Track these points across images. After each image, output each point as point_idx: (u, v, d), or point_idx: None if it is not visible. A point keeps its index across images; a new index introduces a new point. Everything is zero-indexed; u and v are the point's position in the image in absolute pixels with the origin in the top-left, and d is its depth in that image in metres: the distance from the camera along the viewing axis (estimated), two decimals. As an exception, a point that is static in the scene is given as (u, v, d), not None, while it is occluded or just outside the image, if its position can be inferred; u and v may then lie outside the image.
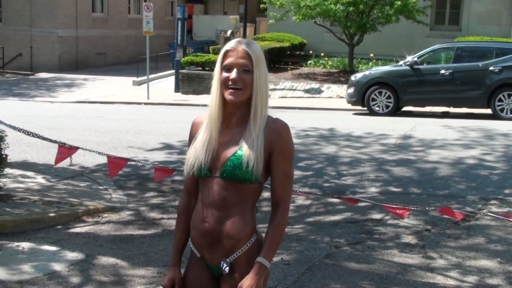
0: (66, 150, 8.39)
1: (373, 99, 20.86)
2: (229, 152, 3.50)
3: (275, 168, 3.52)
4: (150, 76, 27.12)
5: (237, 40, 3.54)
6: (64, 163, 8.81)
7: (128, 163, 8.57)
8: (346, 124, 18.06)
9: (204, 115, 3.65)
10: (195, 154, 3.56)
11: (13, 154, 11.37)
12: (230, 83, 3.46)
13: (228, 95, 3.47)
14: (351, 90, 21.40)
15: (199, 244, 3.60)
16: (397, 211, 6.37)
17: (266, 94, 3.55)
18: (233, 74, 3.45)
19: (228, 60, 3.48)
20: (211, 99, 3.57)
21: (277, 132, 3.51)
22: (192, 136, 3.68)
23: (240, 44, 3.49)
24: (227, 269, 3.52)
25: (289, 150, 3.54)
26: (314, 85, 26.42)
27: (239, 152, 3.47)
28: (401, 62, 21.39)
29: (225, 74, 3.48)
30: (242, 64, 3.46)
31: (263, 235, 3.60)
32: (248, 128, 3.49)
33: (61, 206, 9.47)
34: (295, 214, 9.43)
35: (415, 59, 20.71)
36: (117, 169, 8.40)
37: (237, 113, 3.54)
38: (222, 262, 3.53)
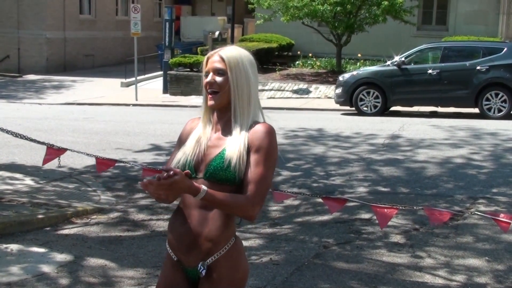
0: (54, 151, 8.37)
1: (361, 99, 20.91)
2: (213, 154, 3.52)
3: (249, 166, 3.47)
4: (138, 78, 27.08)
5: (219, 47, 3.66)
6: (53, 165, 8.81)
7: (117, 164, 8.57)
8: (334, 124, 18.09)
9: (198, 120, 3.72)
10: (184, 154, 3.59)
11: (1, 156, 11.36)
12: (208, 87, 3.57)
13: (209, 101, 3.57)
14: (339, 90, 21.45)
15: (176, 247, 3.59)
16: (385, 211, 6.37)
17: (248, 98, 3.56)
18: (208, 78, 3.56)
19: (207, 67, 3.60)
20: (202, 104, 3.68)
21: (256, 132, 3.51)
22: (184, 134, 3.72)
23: (219, 50, 3.61)
24: (203, 272, 3.51)
25: (267, 152, 3.48)
26: (302, 85, 26.45)
27: (221, 153, 3.48)
28: (388, 62, 21.46)
29: (205, 79, 3.59)
30: (215, 68, 3.55)
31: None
32: (231, 130, 3.54)
33: (50, 208, 9.45)
34: (284, 214, 9.45)
35: (403, 59, 20.78)
36: (105, 168, 8.40)
37: (223, 118, 3.59)
38: (199, 265, 3.53)
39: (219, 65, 3.54)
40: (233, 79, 3.52)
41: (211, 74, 3.55)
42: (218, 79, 3.53)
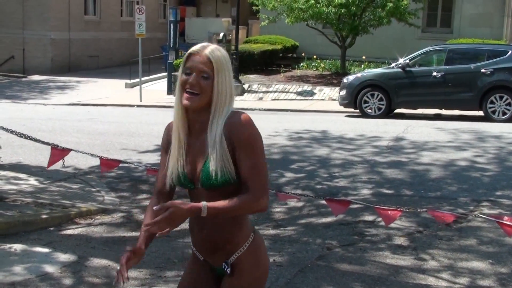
0: (58, 152, 8.40)
1: (365, 101, 20.90)
2: (200, 163, 3.48)
3: (239, 162, 3.43)
4: (143, 79, 27.10)
5: (203, 45, 3.49)
6: (57, 165, 8.81)
7: (121, 165, 8.58)
8: (338, 126, 18.08)
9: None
10: (174, 166, 3.55)
11: (5, 156, 11.37)
12: (187, 86, 3.42)
13: (184, 99, 3.44)
14: (343, 92, 21.43)
15: (200, 249, 3.67)
16: (388, 213, 6.38)
17: (228, 102, 3.47)
18: (191, 78, 3.41)
19: (189, 63, 3.44)
20: (175, 103, 3.54)
21: (234, 126, 3.42)
22: (163, 143, 3.69)
23: (205, 49, 3.45)
24: (228, 270, 3.57)
25: (250, 142, 3.43)
26: (307, 87, 26.43)
27: (207, 165, 3.43)
28: (393, 64, 21.41)
29: (184, 77, 3.44)
30: (202, 70, 3.41)
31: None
32: (211, 133, 3.44)
33: (54, 208, 9.47)
34: (287, 216, 9.45)
35: (407, 61, 20.75)
36: (109, 169, 8.43)
37: (198, 120, 3.49)
38: (224, 264, 3.58)
39: (206, 68, 3.40)
40: (218, 83, 3.41)
41: (194, 74, 3.41)
42: (203, 82, 3.40)
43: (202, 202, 3.34)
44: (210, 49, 3.45)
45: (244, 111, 3.55)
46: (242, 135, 3.41)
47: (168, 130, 3.68)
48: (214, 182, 3.43)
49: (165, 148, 3.67)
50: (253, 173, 3.41)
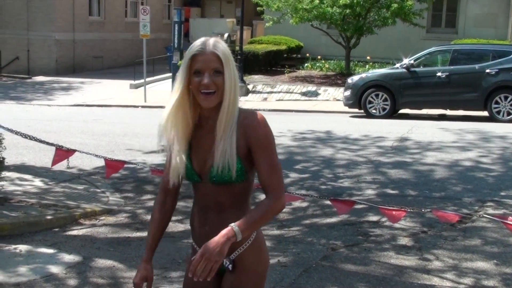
0: (63, 152, 8.42)
1: (370, 102, 20.89)
2: (211, 158, 3.49)
3: (257, 161, 3.47)
4: (147, 79, 27.12)
5: (202, 42, 3.47)
6: (62, 166, 8.84)
7: (126, 165, 8.59)
8: (343, 126, 18.08)
9: None
10: (181, 161, 3.55)
11: (10, 157, 11.37)
12: (202, 88, 3.41)
13: (203, 101, 3.44)
14: (348, 92, 21.42)
15: (201, 245, 3.64)
16: (393, 213, 6.38)
17: (235, 93, 3.47)
18: (206, 79, 3.40)
19: (198, 65, 3.42)
20: (173, 102, 3.49)
21: (250, 126, 3.46)
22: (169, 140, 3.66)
23: (206, 46, 3.43)
24: (230, 267, 3.58)
25: (267, 141, 3.47)
26: (311, 88, 26.43)
27: (219, 160, 3.45)
28: (397, 65, 21.42)
29: (196, 79, 3.42)
30: (212, 68, 3.41)
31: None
32: (223, 129, 3.45)
33: (58, 209, 9.48)
34: (292, 216, 9.45)
35: (412, 61, 20.74)
36: (114, 171, 8.44)
37: (213, 116, 3.50)
38: (225, 261, 3.57)
39: (217, 64, 3.40)
40: (227, 77, 3.42)
41: (207, 74, 3.40)
42: (216, 79, 3.41)
43: (230, 225, 3.36)
44: (212, 44, 3.44)
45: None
46: (259, 135, 3.46)
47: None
48: (224, 178, 3.46)
49: (171, 147, 3.66)
50: (272, 171, 3.47)
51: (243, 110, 3.52)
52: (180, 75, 3.48)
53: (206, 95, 3.42)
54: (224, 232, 3.34)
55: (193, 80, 3.43)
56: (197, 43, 3.47)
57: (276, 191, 3.47)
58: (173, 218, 8.94)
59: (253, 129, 3.46)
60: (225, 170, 3.43)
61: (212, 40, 3.48)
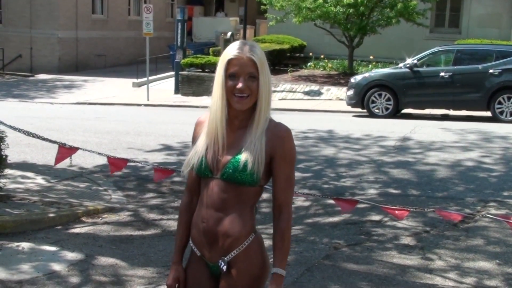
0: (66, 150, 8.42)
1: (373, 101, 20.88)
2: (230, 154, 3.53)
3: (277, 172, 3.55)
4: (150, 78, 27.14)
5: (239, 46, 3.51)
6: (64, 164, 8.84)
7: (128, 164, 8.59)
8: (345, 126, 18.07)
9: (207, 115, 3.65)
10: (197, 153, 3.60)
11: (13, 154, 11.37)
12: (237, 91, 3.47)
13: (236, 103, 3.50)
14: (350, 92, 21.41)
15: (199, 243, 3.65)
16: (396, 212, 6.38)
17: (269, 97, 3.57)
18: (240, 84, 3.46)
19: (234, 69, 3.47)
20: (213, 103, 3.56)
21: (279, 137, 3.53)
22: (195, 135, 3.72)
23: (243, 52, 3.48)
24: (224, 268, 3.56)
25: (291, 155, 3.57)
26: (314, 87, 26.43)
27: (239, 155, 3.49)
28: (401, 65, 21.42)
29: (231, 83, 3.47)
30: (248, 73, 3.46)
31: (270, 238, 3.64)
32: (250, 131, 3.52)
33: (61, 206, 9.48)
34: (294, 215, 9.43)
35: (415, 61, 20.72)
36: (117, 169, 8.45)
37: (240, 116, 3.56)
38: (220, 261, 3.57)
39: (252, 70, 3.47)
40: (262, 81, 3.49)
41: (242, 78, 3.46)
42: (251, 84, 3.47)
43: (276, 269, 3.52)
44: (249, 50, 3.49)
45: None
46: (285, 146, 3.55)
47: (196, 125, 3.75)
48: (237, 176, 3.48)
49: (195, 142, 3.71)
50: (288, 186, 3.60)
51: (273, 120, 3.61)
52: (217, 78, 3.53)
53: (240, 98, 3.48)
54: (274, 282, 3.50)
55: (228, 82, 3.49)
56: (234, 47, 3.53)
57: (289, 209, 3.60)
58: (175, 216, 8.95)
59: (281, 140, 3.54)
60: (254, 167, 3.47)
61: (248, 44, 3.54)
